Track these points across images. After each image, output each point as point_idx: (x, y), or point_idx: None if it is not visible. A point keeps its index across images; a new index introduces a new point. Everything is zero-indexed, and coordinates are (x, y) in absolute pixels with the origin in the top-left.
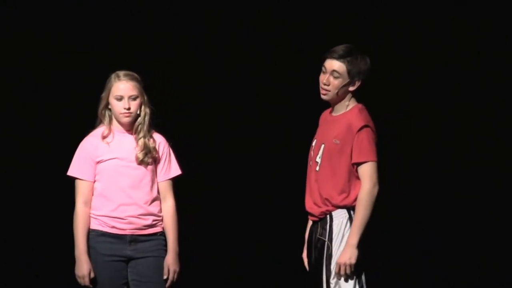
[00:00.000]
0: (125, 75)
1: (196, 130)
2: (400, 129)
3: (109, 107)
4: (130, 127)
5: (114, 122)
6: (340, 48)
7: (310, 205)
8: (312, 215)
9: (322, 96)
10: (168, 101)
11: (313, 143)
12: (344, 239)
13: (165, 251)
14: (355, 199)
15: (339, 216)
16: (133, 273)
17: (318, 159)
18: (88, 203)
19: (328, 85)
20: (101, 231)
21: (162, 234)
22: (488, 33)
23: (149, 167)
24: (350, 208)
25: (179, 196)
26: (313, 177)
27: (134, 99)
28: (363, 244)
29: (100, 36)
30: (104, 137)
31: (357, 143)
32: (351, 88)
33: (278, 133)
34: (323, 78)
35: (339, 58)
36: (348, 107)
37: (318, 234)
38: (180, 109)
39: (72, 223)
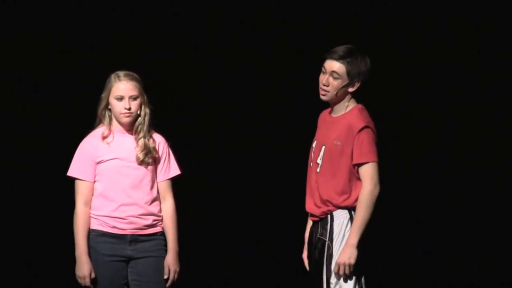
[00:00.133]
0: (125, 75)
1: (196, 130)
2: (400, 129)
3: (109, 107)
4: (130, 127)
5: (114, 122)
6: (340, 49)
7: (310, 206)
8: (313, 215)
9: (322, 97)
10: (168, 101)
11: (313, 145)
12: (344, 239)
13: (165, 251)
14: (356, 200)
15: (340, 216)
16: (133, 273)
17: (319, 161)
18: (88, 204)
19: (328, 86)
20: (102, 231)
21: (162, 234)
22: (488, 33)
23: (149, 167)
24: (351, 209)
25: (179, 196)
26: (313, 179)
27: (135, 99)
28: (363, 245)
29: (100, 36)
30: (104, 138)
31: (357, 144)
32: (351, 89)
33: (278, 133)
34: (322, 78)
35: (339, 59)
36: (348, 108)
37: (318, 234)
38: (180, 109)
39: (72, 223)
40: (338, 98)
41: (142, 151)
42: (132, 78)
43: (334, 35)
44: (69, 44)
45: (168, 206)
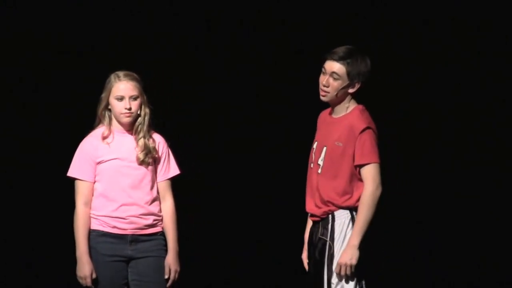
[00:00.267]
0: (125, 75)
1: (196, 130)
2: (400, 129)
3: (109, 107)
4: (130, 127)
5: (114, 122)
6: (340, 50)
7: (311, 206)
8: (314, 215)
9: (322, 98)
10: (168, 101)
11: (314, 146)
12: (346, 239)
13: (165, 251)
14: (358, 200)
15: (341, 216)
16: (134, 273)
17: (320, 162)
18: (88, 204)
19: (328, 87)
20: (102, 231)
21: (162, 234)
22: (488, 33)
23: (149, 167)
24: (353, 209)
25: (179, 196)
26: (314, 180)
27: (135, 99)
28: (364, 246)
29: (100, 36)
30: (104, 138)
31: (359, 145)
32: (351, 90)
33: (278, 133)
34: (322, 79)
35: (339, 60)
36: (348, 108)
37: (319, 234)
38: (180, 109)
39: (72, 223)
40: (338, 99)
41: (142, 151)
42: (132, 78)
43: (334, 35)
44: (69, 44)
45: (168, 206)
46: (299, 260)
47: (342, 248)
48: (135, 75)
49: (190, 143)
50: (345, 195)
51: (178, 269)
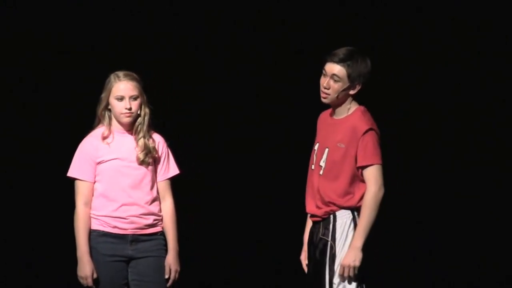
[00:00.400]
0: (125, 75)
1: (196, 130)
2: (400, 129)
3: (109, 107)
4: (130, 127)
5: (114, 122)
6: (340, 52)
7: (311, 207)
8: (314, 215)
9: (322, 100)
10: (168, 101)
11: (315, 147)
12: (348, 239)
13: (165, 250)
14: (359, 200)
15: (343, 216)
16: (134, 273)
17: (322, 163)
18: (88, 204)
19: (328, 89)
20: (102, 231)
21: (162, 234)
22: (488, 33)
23: (150, 167)
24: (354, 209)
25: (179, 196)
26: (315, 181)
27: (135, 99)
28: (367, 247)
29: (100, 36)
30: (104, 138)
31: (362, 147)
32: (352, 92)
33: (278, 133)
34: (323, 81)
35: (340, 62)
36: (350, 110)
37: (320, 234)
38: (180, 109)
39: (72, 223)
40: (339, 100)
41: (142, 151)
42: (132, 78)
43: (334, 35)
44: (69, 44)
45: (167, 206)
46: (299, 260)
47: (344, 248)
48: (135, 75)
49: (190, 143)
50: (346, 195)
51: (178, 269)
